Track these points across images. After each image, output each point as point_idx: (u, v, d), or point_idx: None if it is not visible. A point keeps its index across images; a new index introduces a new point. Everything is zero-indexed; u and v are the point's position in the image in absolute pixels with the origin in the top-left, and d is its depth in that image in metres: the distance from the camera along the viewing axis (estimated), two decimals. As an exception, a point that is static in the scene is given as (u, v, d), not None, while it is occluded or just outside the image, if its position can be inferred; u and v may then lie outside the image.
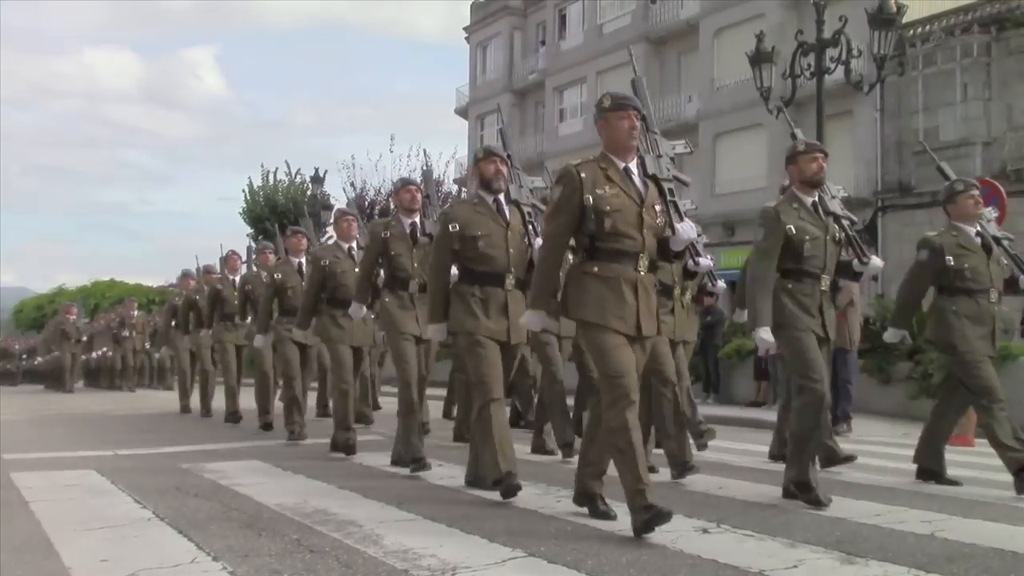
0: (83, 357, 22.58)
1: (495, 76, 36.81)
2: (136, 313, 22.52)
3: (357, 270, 7.04)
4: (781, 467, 5.42)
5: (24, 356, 32.59)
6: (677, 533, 3.97)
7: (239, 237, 31.78)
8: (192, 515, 4.43)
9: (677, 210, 4.30)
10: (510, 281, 5.00)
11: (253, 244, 31.69)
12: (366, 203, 29.81)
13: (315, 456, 6.98)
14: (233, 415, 10.34)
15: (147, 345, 21.32)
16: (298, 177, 31.95)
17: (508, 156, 5.33)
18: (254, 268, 11.50)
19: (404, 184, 6.48)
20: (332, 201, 26.76)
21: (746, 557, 3.55)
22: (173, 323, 13.31)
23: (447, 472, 5.92)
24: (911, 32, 21.44)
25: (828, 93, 13.48)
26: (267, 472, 6.06)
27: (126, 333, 21.19)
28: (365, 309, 6.62)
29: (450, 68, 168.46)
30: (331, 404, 8.49)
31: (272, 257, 10.11)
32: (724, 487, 5.41)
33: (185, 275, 13.37)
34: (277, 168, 32.66)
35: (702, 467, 5.82)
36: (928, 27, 21.72)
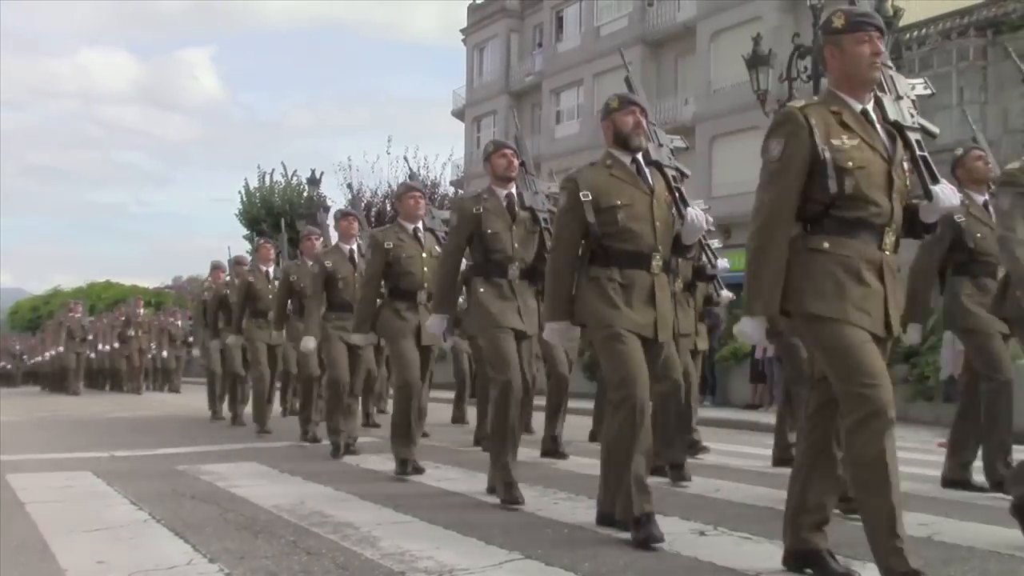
0: (90, 355, 21.73)
1: (492, 78, 36.83)
2: (142, 311, 21.55)
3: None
4: (779, 470, 5.42)
5: (24, 356, 32.03)
6: (674, 535, 3.96)
7: (236, 239, 31.78)
8: (188, 517, 4.42)
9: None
10: (657, 263, 4.06)
11: (249, 243, 31.68)
12: (362, 205, 29.78)
13: (312, 458, 6.97)
14: (261, 423, 9.29)
15: (153, 345, 20.57)
16: (294, 179, 31.97)
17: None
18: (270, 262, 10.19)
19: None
20: (329, 203, 26.78)
21: (743, 560, 3.54)
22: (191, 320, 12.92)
23: (443, 475, 5.92)
24: (907, 35, 21.46)
25: (825, 96, 13.46)
26: (264, 474, 6.05)
27: (132, 332, 20.30)
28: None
29: (447, 70, 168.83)
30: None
31: (319, 243, 9.23)
32: (721, 489, 5.40)
33: (215, 267, 12.28)
34: (274, 170, 32.73)
35: (699, 469, 5.82)
36: (925, 30, 21.76)
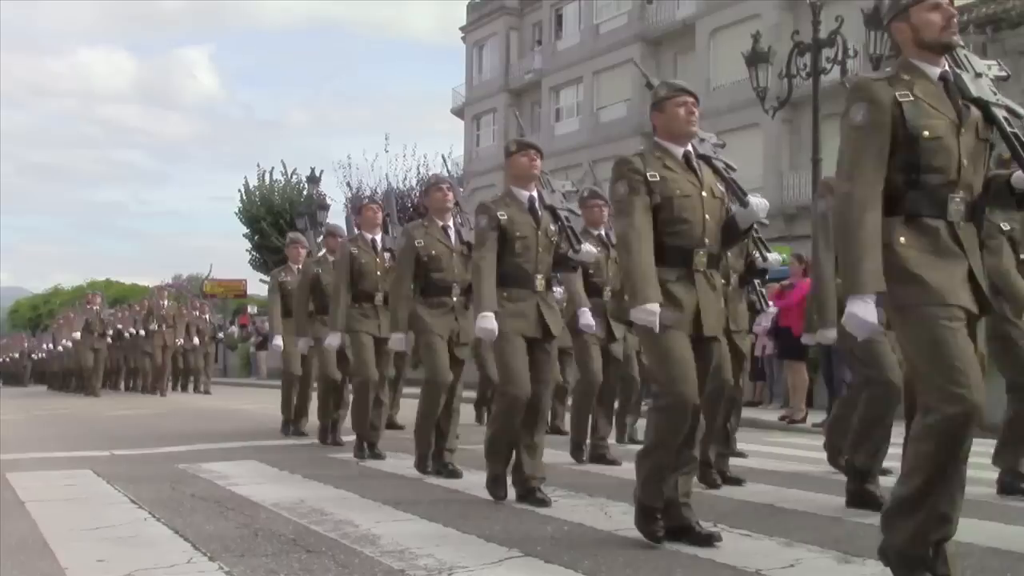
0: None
1: (491, 76, 36.82)
2: (167, 303, 18.77)
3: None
4: (777, 466, 5.42)
5: (32, 355, 30.01)
6: (674, 533, 3.97)
7: (236, 237, 31.81)
8: (188, 515, 4.42)
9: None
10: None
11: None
12: (362, 203, 29.73)
13: (312, 457, 6.97)
14: (330, 435, 7.97)
15: (179, 340, 18.30)
16: (294, 177, 31.98)
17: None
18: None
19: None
20: (329, 201, 26.78)
21: (743, 556, 3.54)
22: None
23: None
24: (907, 32, 21.45)
25: (824, 93, 13.47)
26: (263, 472, 6.06)
27: (155, 326, 17.86)
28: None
29: (446, 68, 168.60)
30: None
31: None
32: (721, 487, 5.40)
33: (293, 242, 9.47)
34: (273, 168, 32.73)
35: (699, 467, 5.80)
36: (924, 27, 21.73)
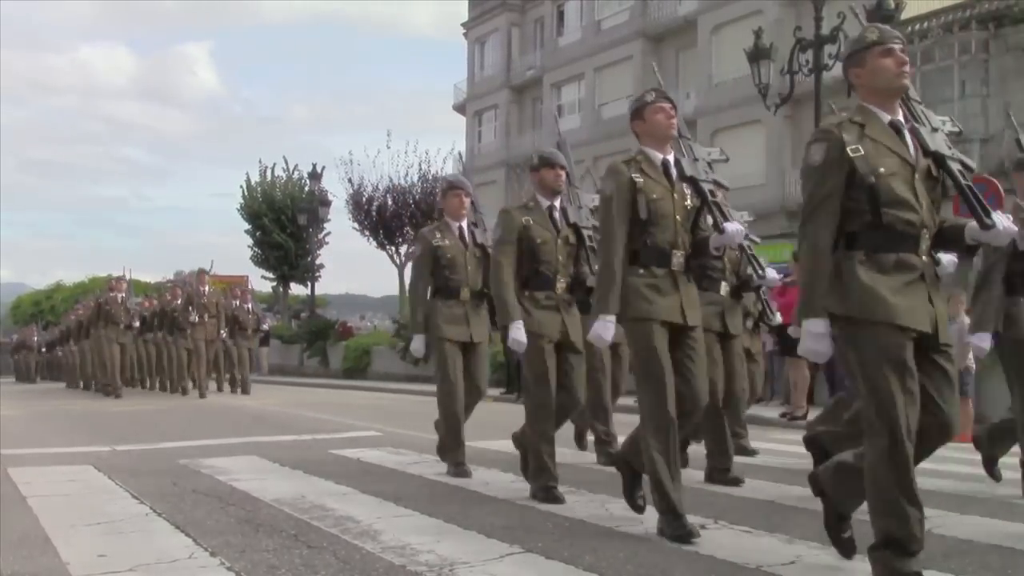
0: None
1: (493, 72, 36.79)
2: (207, 289, 15.67)
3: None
4: (778, 463, 5.41)
5: (43, 350, 28.43)
6: (675, 529, 3.98)
7: (237, 233, 31.77)
8: (189, 510, 4.43)
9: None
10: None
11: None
12: (363, 199, 29.79)
13: (313, 453, 6.97)
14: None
15: (223, 333, 15.68)
16: (296, 173, 31.97)
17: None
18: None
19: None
20: (330, 197, 26.79)
21: (743, 553, 3.55)
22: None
23: (443, 468, 5.91)
24: (909, 29, 21.41)
25: (826, 90, 13.46)
26: (264, 468, 6.06)
27: (195, 317, 15.05)
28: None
29: (447, 64, 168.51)
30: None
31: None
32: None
33: (453, 185, 6.15)
34: (275, 164, 32.69)
35: (699, 461, 5.82)
36: (926, 24, 21.71)
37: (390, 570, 3.30)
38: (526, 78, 35.24)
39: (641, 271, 4.00)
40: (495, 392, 15.33)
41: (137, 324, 16.01)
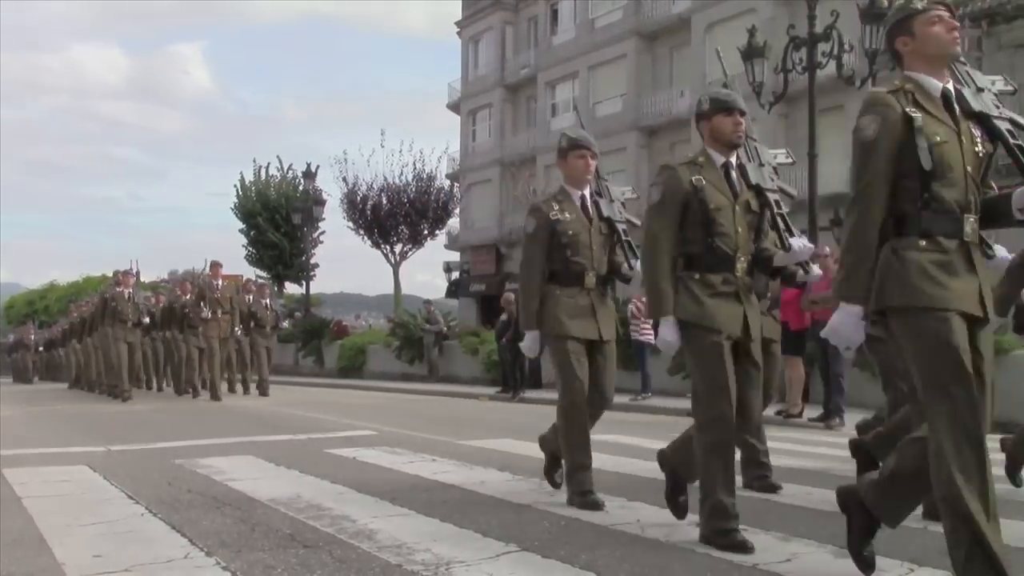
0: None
1: (487, 71, 36.80)
2: (221, 283, 14.69)
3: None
4: (774, 461, 5.41)
5: (40, 349, 28.07)
6: (671, 527, 3.98)
7: (232, 232, 31.76)
8: (185, 510, 4.42)
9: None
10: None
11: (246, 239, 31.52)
12: (358, 198, 29.78)
13: (308, 452, 6.97)
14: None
15: (238, 329, 14.85)
16: (290, 172, 31.99)
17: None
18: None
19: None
20: (325, 196, 26.77)
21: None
22: None
23: (440, 467, 5.92)
24: (902, 27, 21.47)
25: (820, 88, 13.50)
26: (260, 467, 6.05)
27: (206, 313, 14.19)
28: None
29: (441, 63, 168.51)
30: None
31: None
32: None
33: (578, 145, 5.00)
34: (269, 163, 32.69)
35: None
36: (919, 21, 21.76)
37: (386, 569, 3.30)
38: (520, 77, 35.25)
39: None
40: (490, 391, 15.35)
41: (147, 320, 15.00)
